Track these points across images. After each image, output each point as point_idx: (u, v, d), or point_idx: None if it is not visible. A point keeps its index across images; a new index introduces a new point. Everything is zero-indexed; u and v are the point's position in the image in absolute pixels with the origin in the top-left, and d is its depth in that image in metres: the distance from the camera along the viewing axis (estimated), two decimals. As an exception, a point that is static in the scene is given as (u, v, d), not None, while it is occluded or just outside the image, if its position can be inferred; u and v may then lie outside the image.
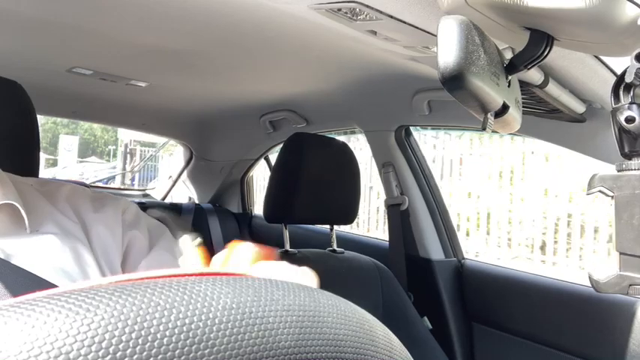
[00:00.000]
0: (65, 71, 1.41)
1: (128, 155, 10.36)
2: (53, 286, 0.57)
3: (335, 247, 1.67)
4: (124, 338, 0.17)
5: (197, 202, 2.40)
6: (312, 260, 1.55)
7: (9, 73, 0.92)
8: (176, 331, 0.18)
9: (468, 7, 0.44)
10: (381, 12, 0.80)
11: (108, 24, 1.06)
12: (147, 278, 0.21)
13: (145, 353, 0.17)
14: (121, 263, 0.66)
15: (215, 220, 2.22)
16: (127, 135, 10.08)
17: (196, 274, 0.22)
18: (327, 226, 1.76)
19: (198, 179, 2.44)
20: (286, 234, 1.60)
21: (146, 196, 2.57)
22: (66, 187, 0.71)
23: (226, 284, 0.21)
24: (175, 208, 2.20)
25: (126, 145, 10.48)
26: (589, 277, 0.41)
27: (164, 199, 2.51)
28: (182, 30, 1.07)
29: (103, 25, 1.06)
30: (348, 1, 0.78)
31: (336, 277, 1.38)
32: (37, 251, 0.60)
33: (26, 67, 1.37)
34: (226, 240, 2.35)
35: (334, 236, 1.68)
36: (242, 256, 0.30)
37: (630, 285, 0.38)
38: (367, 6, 0.79)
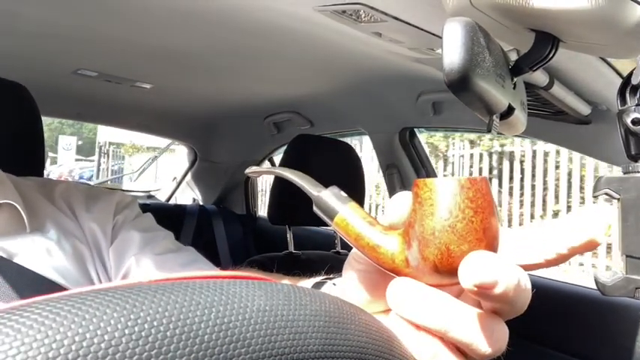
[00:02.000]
0: (70, 73, 1.42)
1: (105, 155, 11.37)
2: (57, 285, 0.57)
3: (339, 248, 1.67)
4: (168, 334, 0.17)
5: (201, 203, 2.40)
6: (317, 262, 1.55)
7: (14, 76, 0.93)
8: (216, 329, 0.19)
9: (473, 8, 0.44)
10: (385, 14, 0.80)
11: (113, 26, 1.06)
12: (184, 279, 0.22)
13: (187, 349, 0.17)
14: (109, 257, 0.66)
15: (219, 221, 2.22)
16: (102, 137, 11.26)
17: (229, 277, 0.23)
18: (331, 228, 1.75)
19: (203, 181, 2.45)
20: (290, 236, 1.60)
21: (150, 197, 2.57)
22: (61, 184, 0.72)
23: (259, 287, 0.22)
24: (179, 210, 2.21)
25: (101, 147, 11.47)
26: (595, 280, 0.40)
27: (168, 200, 2.52)
28: (187, 32, 1.08)
29: (108, 28, 1.07)
30: (353, 3, 0.78)
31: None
32: (37, 251, 0.60)
33: (31, 69, 1.38)
34: (230, 241, 2.35)
35: (339, 238, 1.67)
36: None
37: (636, 288, 0.37)
38: (372, 8, 0.79)
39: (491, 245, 0.25)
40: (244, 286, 0.21)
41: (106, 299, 0.18)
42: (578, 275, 4.48)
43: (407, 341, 0.27)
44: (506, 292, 0.24)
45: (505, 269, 0.24)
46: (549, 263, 0.27)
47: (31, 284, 0.56)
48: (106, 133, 11.02)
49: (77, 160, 13.03)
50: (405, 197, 0.28)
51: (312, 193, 0.31)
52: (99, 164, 10.97)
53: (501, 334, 0.26)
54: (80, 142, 15.46)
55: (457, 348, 0.27)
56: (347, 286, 0.32)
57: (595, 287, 0.40)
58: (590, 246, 0.25)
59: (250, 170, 0.36)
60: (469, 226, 0.25)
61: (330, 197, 0.30)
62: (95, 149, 11.98)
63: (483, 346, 0.26)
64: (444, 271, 0.25)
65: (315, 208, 0.31)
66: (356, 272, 0.31)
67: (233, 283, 0.21)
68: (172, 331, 0.17)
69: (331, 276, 0.42)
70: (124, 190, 2.63)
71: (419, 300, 0.26)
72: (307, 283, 0.44)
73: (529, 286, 0.26)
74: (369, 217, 0.29)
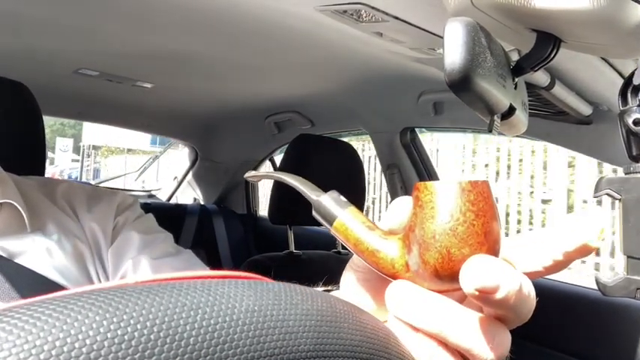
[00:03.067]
0: (71, 72, 1.42)
1: (88, 156, 12.31)
2: (57, 284, 0.57)
3: (340, 248, 1.67)
4: (152, 337, 0.17)
5: (202, 202, 2.40)
6: (317, 262, 1.55)
7: (15, 75, 0.93)
8: (202, 331, 0.18)
9: (474, 8, 0.44)
10: (386, 13, 0.80)
11: (114, 26, 1.06)
12: (172, 279, 0.22)
13: (172, 352, 0.17)
14: (108, 258, 0.66)
15: (220, 221, 2.22)
16: (86, 140, 12.23)
17: (218, 277, 0.23)
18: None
19: (204, 180, 2.45)
20: (291, 235, 1.60)
21: (151, 197, 2.57)
22: (63, 184, 0.72)
23: (248, 287, 0.21)
24: (180, 209, 2.21)
25: (83, 149, 12.33)
26: (596, 281, 0.40)
27: (169, 199, 2.52)
28: (188, 31, 1.08)
29: (109, 27, 1.07)
30: (354, 3, 0.78)
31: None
32: (38, 250, 0.60)
33: (32, 68, 1.38)
34: (231, 241, 2.35)
35: (339, 238, 1.67)
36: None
37: (637, 289, 0.37)
38: (373, 7, 0.79)
39: (493, 249, 0.25)
40: (233, 286, 0.21)
41: (88, 302, 0.17)
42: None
43: (404, 342, 0.26)
44: (508, 297, 0.23)
45: (507, 274, 0.23)
46: (547, 270, 0.27)
47: (31, 284, 0.56)
48: (88, 136, 11.90)
49: (74, 160, 13.46)
50: (404, 202, 0.28)
51: (312, 197, 0.31)
52: (82, 165, 11.78)
53: (503, 340, 0.26)
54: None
55: (459, 353, 0.26)
56: (346, 295, 0.31)
57: (595, 287, 0.40)
58: (585, 251, 0.25)
59: (249, 175, 0.36)
60: (470, 230, 0.24)
61: (329, 202, 0.30)
62: (90, 151, 12.75)
63: (484, 352, 0.25)
64: (445, 275, 0.25)
65: (314, 213, 0.30)
66: (355, 280, 0.31)
67: (221, 283, 0.21)
68: (156, 333, 0.17)
69: (329, 287, 0.42)
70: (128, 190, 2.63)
71: (417, 302, 0.26)
72: None
73: (533, 293, 0.25)
74: (368, 222, 0.29)
